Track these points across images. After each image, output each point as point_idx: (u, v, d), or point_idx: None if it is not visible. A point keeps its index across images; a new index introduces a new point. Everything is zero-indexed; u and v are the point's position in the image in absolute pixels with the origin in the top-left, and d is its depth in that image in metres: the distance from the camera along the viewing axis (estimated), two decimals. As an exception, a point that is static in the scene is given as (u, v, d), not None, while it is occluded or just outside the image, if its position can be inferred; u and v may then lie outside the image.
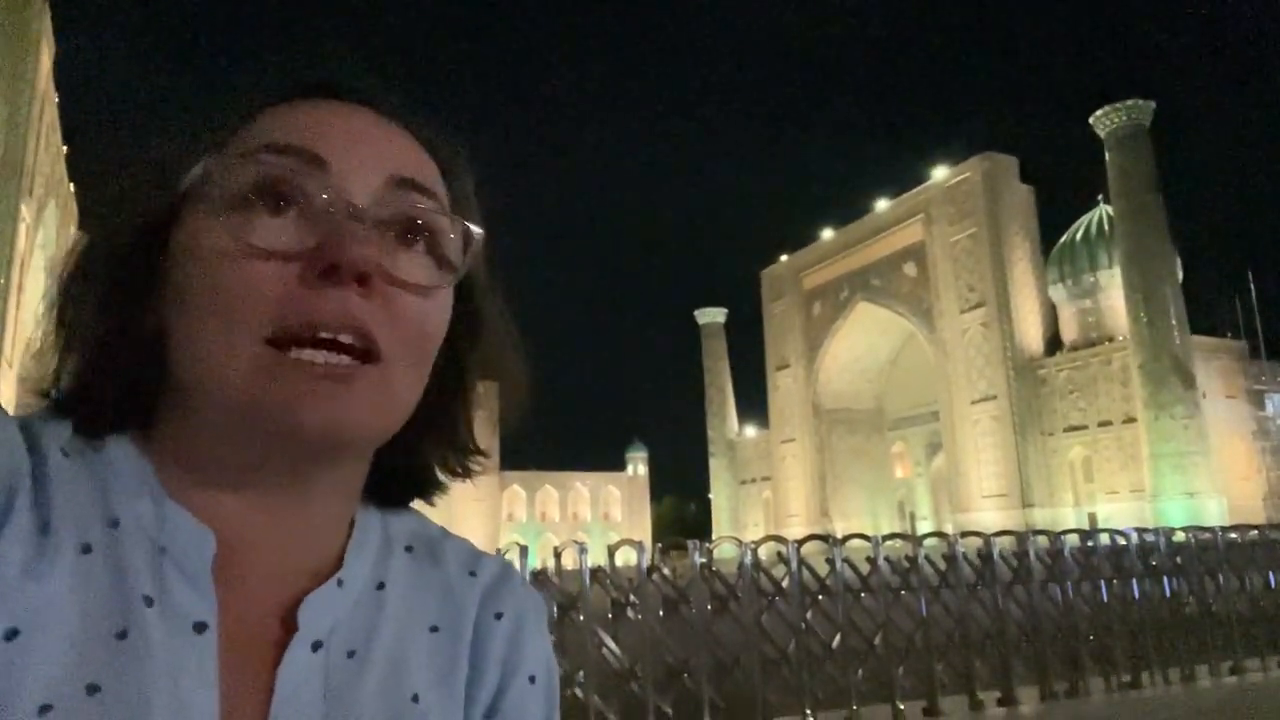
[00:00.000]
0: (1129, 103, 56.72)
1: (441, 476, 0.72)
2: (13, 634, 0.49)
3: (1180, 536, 10.85)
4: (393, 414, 0.59)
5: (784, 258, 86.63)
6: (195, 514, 0.58)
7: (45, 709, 0.48)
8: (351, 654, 0.61)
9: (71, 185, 43.08)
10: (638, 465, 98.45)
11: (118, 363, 0.59)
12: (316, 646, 0.60)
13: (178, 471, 0.59)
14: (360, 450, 0.62)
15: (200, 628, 0.55)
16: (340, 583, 0.63)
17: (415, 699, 0.63)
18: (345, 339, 0.55)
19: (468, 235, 0.63)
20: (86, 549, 0.54)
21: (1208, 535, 11.21)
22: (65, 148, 41.78)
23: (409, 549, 0.70)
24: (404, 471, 0.71)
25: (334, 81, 0.64)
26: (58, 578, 0.52)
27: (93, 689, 0.50)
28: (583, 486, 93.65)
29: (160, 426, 0.60)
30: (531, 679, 0.70)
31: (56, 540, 0.53)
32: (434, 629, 0.67)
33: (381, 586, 0.66)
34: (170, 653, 0.53)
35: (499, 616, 0.70)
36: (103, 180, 0.63)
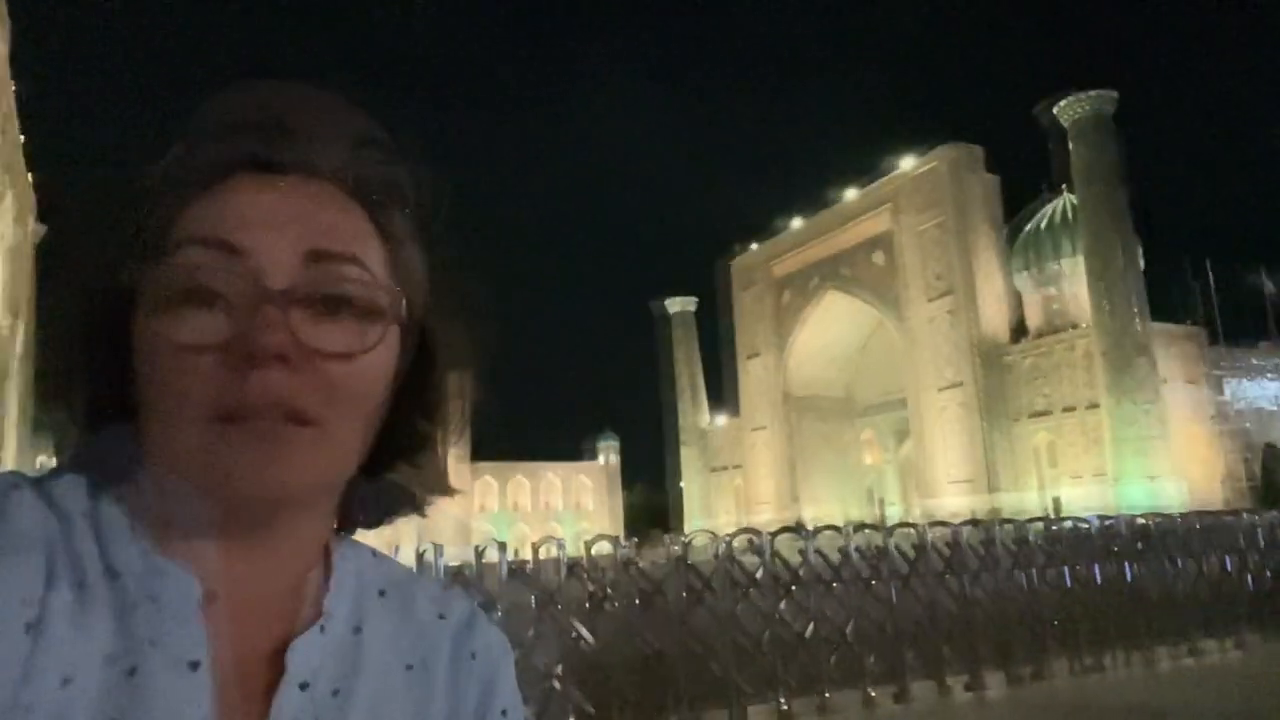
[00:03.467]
0: (1092, 93, 57.50)
1: (414, 492, 0.77)
2: (67, 681, 0.55)
3: (1141, 522, 11.17)
4: (333, 468, 0.65)
5: (754, 246, 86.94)
6: (178, 561, 0.63)
7: None
8: (336, 693, 0.66)
9: (30, 175, 42.11)
10: (609, 454, 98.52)
11: (107, 429, 0.66)
12: (304, 686, 0.65)
13: (162, 524, 0.64)
14: (308, 501, 0.66)
15: (194, 665, 0.60)
16: (322, 629, 0.68)
17: None
18: (274, 415, 0.60)
19: (395, 295, 0.66)
20: (102, 599, 0.60)
21: (1167, 520, 11.54)
22: (23, 138, 40.83)
23: (381, 593, 0.75)
24: (373, 495, 0.75)
25: (257, 154, 0.66)
26: (94, 628, 0.58)
27: None
28: (554, 476, 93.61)
29: (145, 482, 0.65)
30: (504, 713, 0.76)
31: (89, 596, 0.59)
32: (409, 667, 0.72)
33: (359, 630, 0.71)
34: (171, 689, 0.59)
35: (473, 656, 0.76)
36: (66, 277, 0.67)
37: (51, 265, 0.69)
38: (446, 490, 0.78)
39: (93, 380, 0.67)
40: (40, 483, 0.64)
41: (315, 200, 0.66)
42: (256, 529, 0.65)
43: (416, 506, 0.77)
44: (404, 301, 0.67)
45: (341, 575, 0.72)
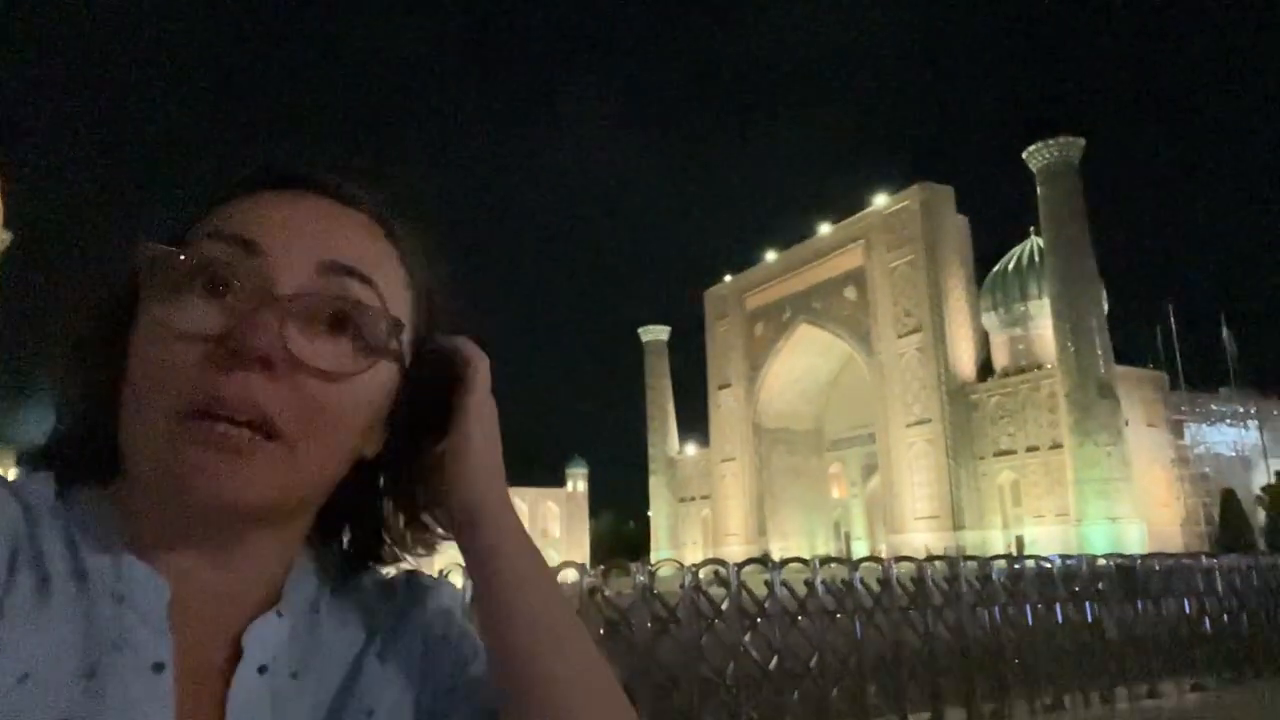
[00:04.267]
0: (1060, 139, 58.72)
1: (401, 545, 0.78)
2: (25, 678, 0.55)
3: (1102, 563, 11.28)
4: (295, 488, 0.64)
5: (728, 278, 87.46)
6: (149, 562, 0.63)
7: None
8: (294, 675, 0.67)
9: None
10: (577, 481, 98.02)
11: (88, 428, 0.67)
12: (262, 670, 0.65)
13: (134, 525, 0.64)
14: (271, 517, 0.65)
15: (159, 668, 0.60)
16: (279, 613, 0.68)
17: (368, 714, 0.70)
18: (241, 418, 0.59)
19: (396, 326, 0.66)
20: (67, 598, 0.60)
21: (1128, 562, 11.67)
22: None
23: (333, 588, 0.76)
24: (359, 539, 0.78)
25: (285, 172, 0.68)
26: (53, 628, 0.58)
27: None
28: (521, 502, 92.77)
29: (119, 484, 0.65)
30: (476, 652, 0.76)
31: (51, 595, 0.59)
32: (368, 642, 0.73)
33: (317, 610, 0.72)
34: (132, 691, 0.58)
35: (428, 624, 0.77)
36: (83, 280, 0.69)
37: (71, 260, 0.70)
38: (431, 543, 0.78)
39: (88, 377, 0.67)
40: (17, 484, 0.64)
41: (339, 218, 0.68)
42: (221, 538, 0.65)
43: (408, 548, 0.78)
44: (405, 339, 0.68)
45: (300, 567, 0.73)
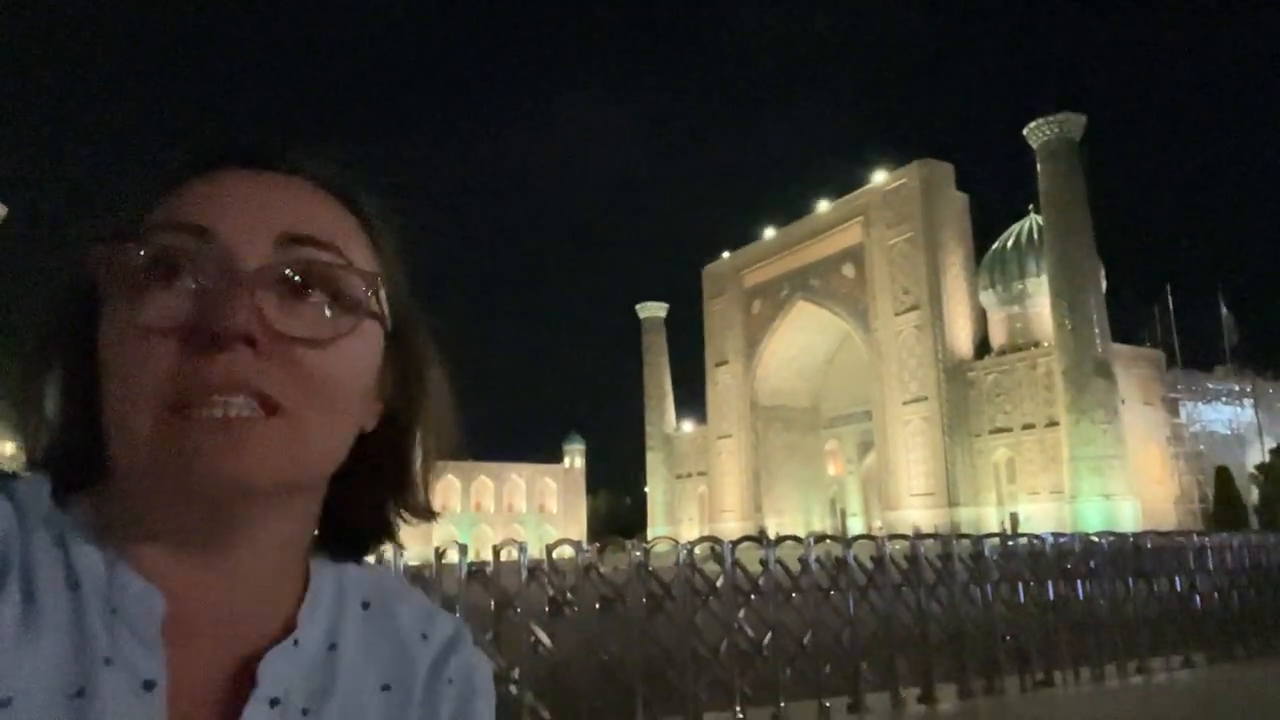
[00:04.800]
0: (1060, 116, 58.47)
1: (394, 521, 0.75)
2: (8, 702, 0.52)
3: (1094, 541, 11.35)
4: (304, 463, 0.61)
5: (726, 255, 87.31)
6: (144, 573, 0.60)
7: None
8: (306, 711, 0.64)
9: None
10: (575, 458, 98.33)
11: (75, 431, 0.63)
12: (274, 703, 0.62)
13: (127, 531, 0.61)
14: (277, 499, 0.62)
15: (149, 685, 0.57)
16: (296, 643, 0.65)
17: None
18: (238, 400, 0.57)
19: (371, 279, 0.64)
20: (57, 612, 0.57)
21: (1120, 540, 11.74)
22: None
23: (365, 605, 0.73)
24: (354, 524, 0.73)
25: (233, 149, 0.66)
26: (42, 645, 0.55)
27: None
28: (518, 478, 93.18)
29: (112, 487, 0.62)
30: None
31: (39, 608, 0.56)
32: (385, 687, 0.70)
33: (334, 648, 0.68)
34: (121, 711, 0.55)
35: (450, 681, 0.73)
36: (41, 277, 0.66)
37: (20, 261, 0.69)
38: (426, 516, 0.76)
39: (65, 376, 0.64)
40: (9, 490, 0.61)
41: (294, 191, 0.65)
42: (224, 531, 0.62)
43: (393, 534, 0.76)
44: (383, 295, 0.66)
45: (318, 586, 0.70)
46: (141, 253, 0.60)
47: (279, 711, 0.62)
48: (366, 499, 0.73)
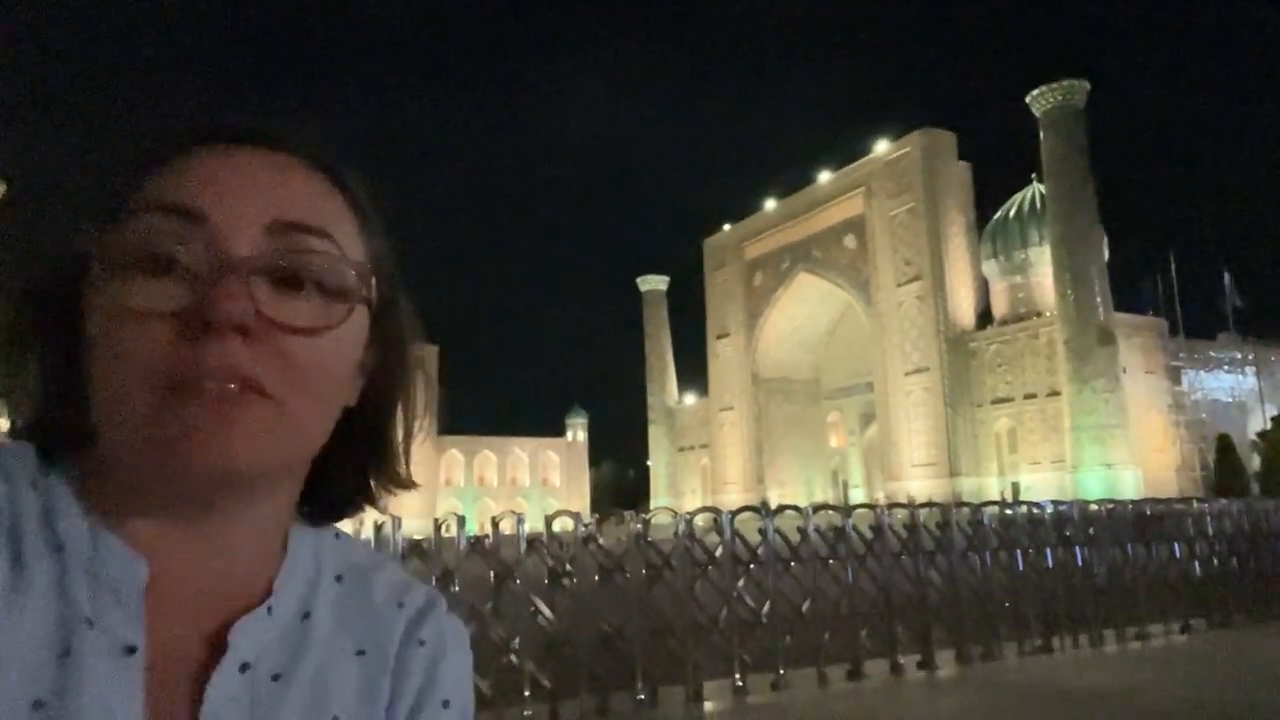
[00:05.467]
0: (1064, 83, 57.89)
1: (374, 489, 0.76)
2: None
3: (1093, 509, 11.38)
4: (292, 449, 0.62)
5: (727, 227, 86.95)
6: (128, 540, 0.61)
7: None
8: (276, 677, 0.64)
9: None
10: (577, 431, 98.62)
11: (58, 404, 0.64)
12: (244, 668, 0.63)
13: (112, 499, 0.61)
14: (263, 483, 0.63)
15: (130, 650, 0.58)
16: (270, 610, 0.66)
17: None
18: (229, 387, 0.57)
19: (363, 269, 0.65)
20: (42, 572, 0.57)
21: (1119, 507, 11.76)
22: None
23: (339, 578, 0.73)
24: (334, 492, 0.74)
25: (219, 126, 0.65)
26: (29, 604, 0.56)
27: (38, 705, 0.54)
28: (521, 451, 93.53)
29: (100, 458, 0.62)
30: (446, 703, 0.73)
31: (27, 571, 0.57)
32: (360, 653, 0.70)
33: (308, 616, 0.69)
34: (103, 673, 0.56)
35: (421, 643, 0.74)
36: (24, 251, 0.66)
37: (7, 232, 0.69)
38: (406, 484, 0.76)
39: (46, 350, 0.64)
40: None
41: (283, 171, 0.65)
42: (209, 510, 0.63)
43: (373, 501, 0.76)
44: (373, 282, 0.66)
45: (295, 557, 0.70)
46: (131, 234, 0.59)
47: (249, 676, 0.63)
48: (348, 468, 0.74)
